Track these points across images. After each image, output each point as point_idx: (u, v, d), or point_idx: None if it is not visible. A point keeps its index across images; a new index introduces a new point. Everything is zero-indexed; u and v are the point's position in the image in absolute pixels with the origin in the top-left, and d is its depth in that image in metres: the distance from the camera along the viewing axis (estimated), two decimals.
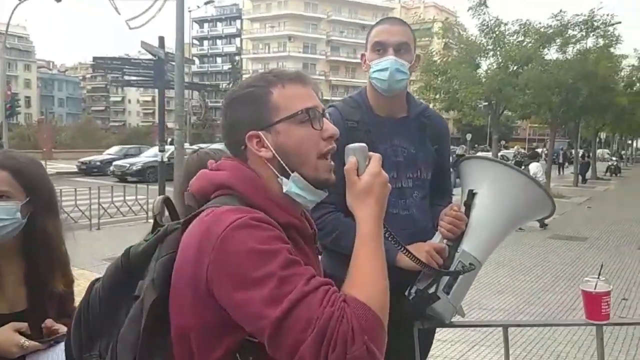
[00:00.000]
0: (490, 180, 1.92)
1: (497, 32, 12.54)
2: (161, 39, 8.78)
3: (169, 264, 1.01)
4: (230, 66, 58.06)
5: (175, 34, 7.22)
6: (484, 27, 12.63)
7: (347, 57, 69.97)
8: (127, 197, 10.05)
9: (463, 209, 1.90)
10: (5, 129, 22.12)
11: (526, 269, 7.17)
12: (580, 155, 21.96)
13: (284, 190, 1.06)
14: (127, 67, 9.12)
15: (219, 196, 1.04)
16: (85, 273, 5.04)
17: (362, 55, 1.93)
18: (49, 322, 1.42)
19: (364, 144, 1.10)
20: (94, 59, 9.58)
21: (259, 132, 1.05)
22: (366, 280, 0.96)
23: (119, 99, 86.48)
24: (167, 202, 1.20)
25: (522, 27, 12.62)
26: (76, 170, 21.77)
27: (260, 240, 0.92)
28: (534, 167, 10.83)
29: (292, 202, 1.07)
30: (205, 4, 37.98)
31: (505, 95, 12.53)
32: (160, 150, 9.20)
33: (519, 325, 1.78)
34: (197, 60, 75.42)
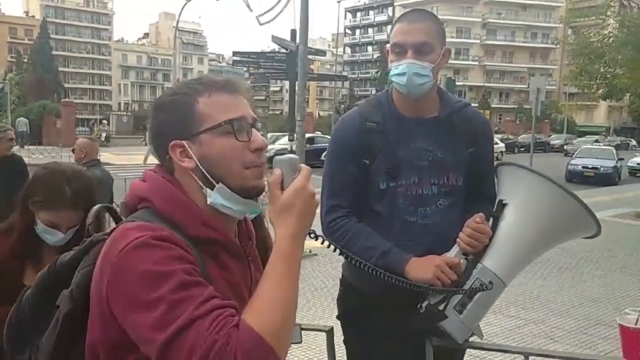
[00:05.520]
0: (524, 191, 1.72)
1: None
2: (293, 33, 9.13)
3: (88, 276, 1.01)
4: (379, 54, 57.98)
5: (300, 26, 7.49)
6: None
7: (505, 40, 65.60)
8: None
9: (491, 220, 1.74)
10: None
11: None
12: None
13: (208, 202, 1.02)
14: (262, 60, 9.69)
15: (142, 209, 1.03)
16: None
17: (387, 51, 1.84)
18: None
19: (293, 156, 1.07)
20: (234, 53, 10.33)
21: (183, 142, 1.02)
22: (265, 306, 0.91)
23: (277, 88, 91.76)
24: (110, 211, 1.21)
25: None
26: None
27: (156, 261, 0.90)
28: None
29: (218, 214, 1.04)
30: None
31: None
32: (289, 140, 9.64)
33: (541, 355, 1.57)
34: (348, 50, 76.92)
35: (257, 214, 1.13)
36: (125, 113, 39.58)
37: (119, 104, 76.28)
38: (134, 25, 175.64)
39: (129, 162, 19.28)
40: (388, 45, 1.82)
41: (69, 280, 1.06)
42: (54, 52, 57.75)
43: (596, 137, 39.43)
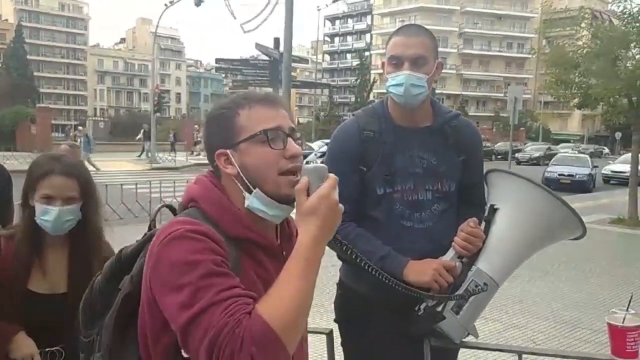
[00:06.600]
0: (514, 196, 1.79)
1: None
2: (276, 40, 9.18)
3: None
4: (358, 62, 58.45)
5: (284, 35, 7.55)
6: (626, 16, 11.26)
7: (481, 49, 66.82)
8: None
9: (483, 224, 1.80)
10: (154, 122, 24.76)
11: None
12: None
13: (245, 205, 1.13)
14: (244, 67, 9.73)
15: (191, 208, 1.15)
16: None
17: (383, 63, 1.90)
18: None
19: (320, 165, 1.11)
20: (216, 60, 10.35)
21: (227, 151, 1.14)
22: (277, 298, 0.98)
23: None
24: (170, 209, 1.34)
25: None
26: None
27: (189, 251, 1.01)
28: None
29: (257, 217, 1.14)
30: (334, 1, 38.64)
31: None
32: None
33: (533, 354, 1.64)
34: (327, 57, 77.37)
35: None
36: (101, 119, 39.00)
37: (95, 109, 75.21)
38: (111, 31, 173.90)
39: (107, 168, 19.07)
40: (384, 58, 1.88)
41: (131, 268, 1.18)
42: (28, 57, 56.70)
43: (548, 144, 38.99)
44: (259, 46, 8.78)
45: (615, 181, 20.99)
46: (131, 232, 1.69)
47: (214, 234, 1.06)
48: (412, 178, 1.84)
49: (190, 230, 1.04)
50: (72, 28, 79.77)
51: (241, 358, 0.91)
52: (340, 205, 1.06)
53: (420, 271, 1.72)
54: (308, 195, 1.04)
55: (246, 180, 1.12)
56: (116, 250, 1.28)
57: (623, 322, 1.53)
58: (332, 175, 1.07)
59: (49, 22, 77.28)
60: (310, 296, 1.01)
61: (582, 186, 18.01)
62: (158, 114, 26.58)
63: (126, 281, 1.17)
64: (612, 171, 21.95)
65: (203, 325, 0.94)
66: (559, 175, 18.55)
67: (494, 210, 1.78)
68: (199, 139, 27.22)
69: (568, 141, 50.52)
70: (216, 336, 0.92)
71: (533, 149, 35.68)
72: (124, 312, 1.15)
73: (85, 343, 1.23)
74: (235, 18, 8.46)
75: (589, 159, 20.73)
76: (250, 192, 1.13)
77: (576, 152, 27.99)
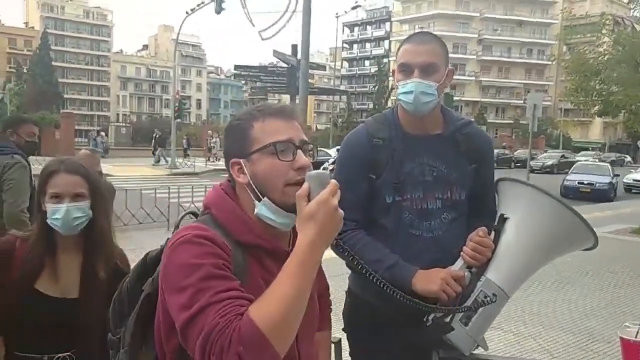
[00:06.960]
0: (525, 205, 1.78)
1: None
2: (294, 48, 9.25)
3: None
4: (376, 69, 58.40)
5: (302, 42, 7.61)
6: None
7: (500, 56, 66.23)
8: None
9: (493, 234, 1.79)
10: (174, 128, 25.04)
11: None
12: None
13: (254, 212, 1.19)
14: (263, 74, 9.80)
15: (206, 214, 1.22)
16: None
17: (393, 71, 1.91)
18: None
19: (323, 172, 1.13)
20: (235, 67, 10.46)
21: (240, 160, 1.20)
22: (268, 300, 1.01)
23: (275, 102, 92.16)
24: (195, 215, 1.36)
25: None
26: None
27: (193, 255, 1.07)
28: None
29: (266, 224, 1.19)
30: (353, 8, 38.77)
31: None
32: None
33: None
34: (346, 64, 77.45)
35: None
36: (124, 124, 39.61)
37: (117, 115, 76.29)
38: (134, 37, 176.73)
39: (128, 173, 19.35)
40: (394, 65, 1.89)
41: (155, 270, 1.24)
42: (53, 63, 57.84)
43: (563, 152, 37.36)
44: (276, 53, 8.85)
45: (637, 190, 20.61)
46: (149, 237, 1.73)
47: (220, 239, 1.11)
48: (422, 186, 1.83)
49: (196, 236, 1.10)
50: (97, 35, 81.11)
51: (229, 357, 0.95)
52: (340, 210, 1.07)
53: (428, 280, 1.72)
54: (309, 201, 1.06)
55: (256, 189, 1.17)
56: (139, 254, 1.33)
57: (636, 337, 1.51)
58: (332, 181, 1.09)
59: (74, 29, 78.74)
60: (303, 298, 1.03)
61: (602, 195, 17.69)
62: (179, 120, 26.88)
63: (148, 282, 1.24)
64: (634, 180, 21.54)
65: (199, 325, 1.00)
66: (579, 183, 18.25)
67: (503, 219, 1.77)
68: (212, 145, 27.45)
69: (587, 149, 49.57)
70: (207, 335, 0.97)
71: (546, 157, 34.26)
72: (144, 313, 1.21)
73: (114, 340, 1.29)
74: (253, 25, 8.60)
75: (609, 167, 20.32)
76: (259, 200, 1.17)
77: (596, 160, 27.38)
